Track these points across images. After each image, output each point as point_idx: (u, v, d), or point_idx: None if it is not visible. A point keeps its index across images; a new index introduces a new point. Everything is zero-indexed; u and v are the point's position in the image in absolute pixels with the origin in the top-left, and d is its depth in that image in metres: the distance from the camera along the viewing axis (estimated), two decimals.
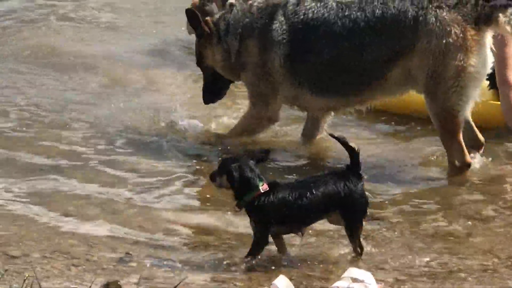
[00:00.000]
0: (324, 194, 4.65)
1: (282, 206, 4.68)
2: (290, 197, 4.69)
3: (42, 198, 5.84)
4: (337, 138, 4.60)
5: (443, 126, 5.69)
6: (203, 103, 6.42)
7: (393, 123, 6.87)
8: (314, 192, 4.66)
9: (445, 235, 5.30)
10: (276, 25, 5.79)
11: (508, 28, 5.47)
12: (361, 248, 4.73)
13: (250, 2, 6.02)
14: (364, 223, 4.75)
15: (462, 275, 4.76)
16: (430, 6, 5.53)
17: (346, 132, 5.97)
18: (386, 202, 5.74)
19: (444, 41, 5.49)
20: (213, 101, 6.35)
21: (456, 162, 5.75)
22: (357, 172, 4.63)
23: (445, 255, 5.02)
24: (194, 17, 6.17)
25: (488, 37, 5.59)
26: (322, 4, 5.76)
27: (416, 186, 6.01)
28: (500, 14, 5.44)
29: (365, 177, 4.73)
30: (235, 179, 4.61)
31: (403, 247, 5.07)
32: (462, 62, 5.50)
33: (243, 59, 5.98)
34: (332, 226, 4.96)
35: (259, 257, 4.83)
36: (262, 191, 4.63)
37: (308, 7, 5.79)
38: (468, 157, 5.74)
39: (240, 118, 6.25)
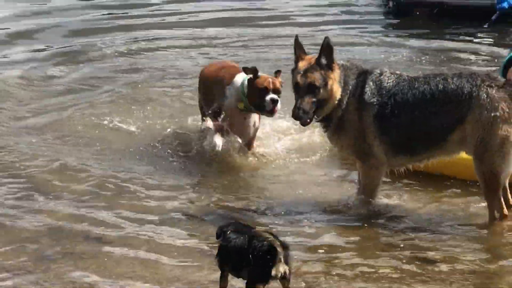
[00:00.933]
0: None
1: None
2: None
3: None
4: None
5: (487, 184, 6.57)
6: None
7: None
8: None
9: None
10: (367, 89, 6.73)
11: None
12: None
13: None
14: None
15: None
16: (483, 84, 6.52)
17: None
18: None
19: (492, 114, 6.44)
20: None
21: (496, 213, 6.64)
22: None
23: None
24: None
25: None
26: (397, 76, 6.71)
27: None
28: None
29: None
30: None
31: None
32: (506, 132, 6.46)
33: None
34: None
35: None
36: None
37: (388, 77, 6.72)
38: (505, 210, 6.65)
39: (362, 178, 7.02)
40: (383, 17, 13.97)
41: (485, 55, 11.64)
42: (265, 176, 7.65)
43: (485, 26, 12.51)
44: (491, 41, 12.31)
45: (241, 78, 7.50)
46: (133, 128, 8.40)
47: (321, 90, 6.55)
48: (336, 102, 6.63)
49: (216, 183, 7.28)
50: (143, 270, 5.71)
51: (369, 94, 6.65)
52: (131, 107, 9.09)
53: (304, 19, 14.32)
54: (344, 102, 6.66)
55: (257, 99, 7.33)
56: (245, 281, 5.15)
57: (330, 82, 6.55)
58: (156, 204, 6.79)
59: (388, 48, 11.97)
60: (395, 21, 13.57)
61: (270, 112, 7.36)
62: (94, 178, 7.15)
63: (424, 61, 11.20)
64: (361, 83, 6.70)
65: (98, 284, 5.48)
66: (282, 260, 5.04)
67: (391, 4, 13.59)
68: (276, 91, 7.34)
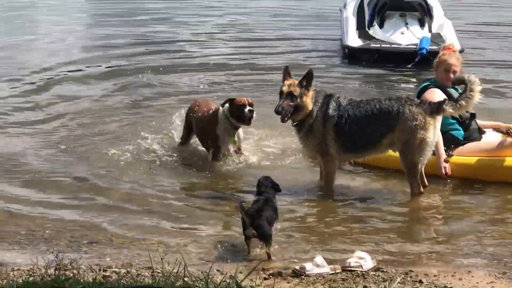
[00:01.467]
0: None
1: None
2: None
3: None
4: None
5: (409, 171, 7.74)
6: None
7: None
8: None
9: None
10: (330, 106, 7.77)
11: (451, 111, 7.62)
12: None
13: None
14: None
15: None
16: (406, 103, 7.64)
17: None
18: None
19: (413, 123, 7.59)
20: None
21: (415, 190, 7.80)
22: None
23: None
24: None
25: (438, 120, 7.68)
26: (349, 99, 7.89)
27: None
28: (444, 106, 7.58)
29: None
30: None
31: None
32: (423, 135, 7.59)
33: None
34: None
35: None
36: None
37: (343, 99, 7.86)
38: (421, 188, 7.79)
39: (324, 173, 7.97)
40: (340, 59, 14.91)
41: (409, 84, 13.18)
42: (253, 171, 8.41)
43: (409, 66, 13.71)
44: (414, 75, 13.65)
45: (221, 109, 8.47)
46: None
47: (298, 99, 7.62)
48: (308, 112, 7.67)
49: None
50: None
51: (332, 110, 7.69)
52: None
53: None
54: (314, 114, 7.67)
55: (238, 112, 8.26)
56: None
57: (304, 97, 7.63)
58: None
59: (344, 80, 13.24)
60: (348, 62, 14.51)
61: (249, 120, 8.31)
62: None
63: (369, 89, 12.60)
64: (326, 102, 7.72)
65: None
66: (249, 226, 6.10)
67: (345, 49, 14.46)
68: (251, 105, 8.33)
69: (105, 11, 21.06)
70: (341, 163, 8.17)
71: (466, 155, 8.19)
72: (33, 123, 10.35)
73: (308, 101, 7.65)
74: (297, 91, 7.63)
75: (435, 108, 7.58)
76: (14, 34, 17.25)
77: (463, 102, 7.55)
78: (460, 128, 8.30)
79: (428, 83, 8.35)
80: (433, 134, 7.61)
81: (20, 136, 9.73)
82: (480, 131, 8.38)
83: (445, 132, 8.10)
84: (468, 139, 8.32)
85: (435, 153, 7.91)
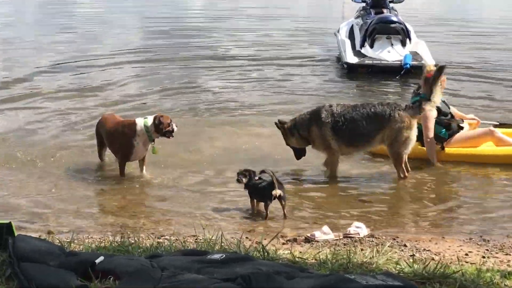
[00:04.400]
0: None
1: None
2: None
3: None
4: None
5: (396, 159, 8.10)
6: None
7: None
8: None
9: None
10: (323, 114, 8.14)
11: (428, 107, 7.96)
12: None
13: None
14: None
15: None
16: (395, 109, 7.98)
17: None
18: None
19: (401, 125, 7.93)
20: (301, 158, 8.41)
21: (401, 175, 8.11)
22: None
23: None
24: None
25: (416, 123, 8.04)
26: (342, 105, 8.19)
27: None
28: (423, 106, 7.97)
29: None
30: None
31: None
32: (407, 134, 7.96)
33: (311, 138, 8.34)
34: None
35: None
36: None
37: (337, 106, 8.15)
38: (406, 173, 8.13)
39: (327, 164, 8.24)
40: (339, 73, 15.06)
41: (396, 92, 13.40)
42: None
43: (397, 77, 14.07)
44: (399, 85, 13.90)
45: (140, 122, 7.86)
46: None
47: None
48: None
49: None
50: None
51: (324, 117, 7.94)
52: None
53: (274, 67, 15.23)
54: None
55: (165, 129, 7.78)
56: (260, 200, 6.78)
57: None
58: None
59: (345, 89, 13.44)
60: (346, 74, 14.75)
61: (172, 134, 7.94)
62: None
63: (365, 96, 12.79)
64: (317, 113, 8.02)
65: None
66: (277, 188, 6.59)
67: (345, 65, 14.87)
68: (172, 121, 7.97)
69: None
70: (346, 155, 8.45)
71: (452, 146, 8.77)
72: None
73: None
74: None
75: (417, 109, 8.03)
76: None
77: (433, 93, 7.90)
78: (444, 129, 8.76)
79: (418, 98, 8.38)
80: (415, 132, 8.06)
81: None
82: (459, 128, 8.89)
83: (435, 134, 8.63)
84: (451, 136, 8.84)
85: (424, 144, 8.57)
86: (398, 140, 7.91)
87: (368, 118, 7.95)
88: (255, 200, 6.98)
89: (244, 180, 6.86)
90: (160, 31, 19.89)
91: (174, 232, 6.25)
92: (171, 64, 14.92)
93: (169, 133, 7.96)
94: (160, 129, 7.83)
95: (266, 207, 6.72)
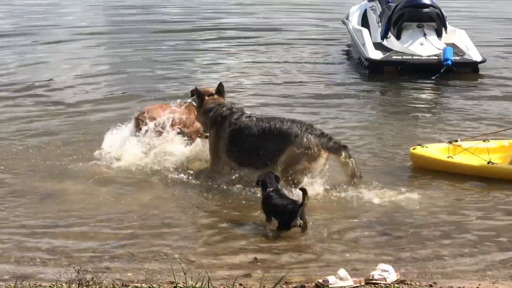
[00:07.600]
0: None
1: None
2: None
3: None
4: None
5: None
6: None
7: None
8: None
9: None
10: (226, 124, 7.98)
11: (343, 161, 7.59)
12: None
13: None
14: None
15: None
16: (306, 130, 7.62)
17: None
18: None
19: (305, 151, 7.56)
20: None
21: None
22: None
23: None
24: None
25: (327, 158, 7.65)
26: (249, 117, 7.90)
27: None
28: (343, 152, 7.61)
29: None
30: None
31: None
32: (309, 165, 7.58)
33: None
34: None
35: None
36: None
37: (242, 118, 7.89)
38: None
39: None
40: (357, 71, 13.94)
41: (432, 100, 12.38)
42: None
43: (433, 77, 12.93)
44: (438, 88, 12.93)
45: None
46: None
47: None
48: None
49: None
50: None
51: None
52: None
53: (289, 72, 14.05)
54: None
55: None
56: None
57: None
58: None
59: (365, 92, 12.50)
60: (367, 74, 13.62)
61: None
62: None
63: (389, 104, 11.86)
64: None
65: None
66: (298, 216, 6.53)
67: (365, 62, 13.52)
68: None
69: None
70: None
71: None
72: None
73: None
74: None
75: (334, 148, 7.65)
76: None
77: (350, 163, 7.69)
78: None
79: None
80: (319, 167, 7.60)
81: None
82: None
83: None
84: None
85: None
86: (296, 167, 7.52)
87: (269, 134, 7.69)
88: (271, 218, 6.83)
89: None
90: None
91: (146, 278, 5.77)
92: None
93: None
94: None
95: (279, 230, 6.64)
